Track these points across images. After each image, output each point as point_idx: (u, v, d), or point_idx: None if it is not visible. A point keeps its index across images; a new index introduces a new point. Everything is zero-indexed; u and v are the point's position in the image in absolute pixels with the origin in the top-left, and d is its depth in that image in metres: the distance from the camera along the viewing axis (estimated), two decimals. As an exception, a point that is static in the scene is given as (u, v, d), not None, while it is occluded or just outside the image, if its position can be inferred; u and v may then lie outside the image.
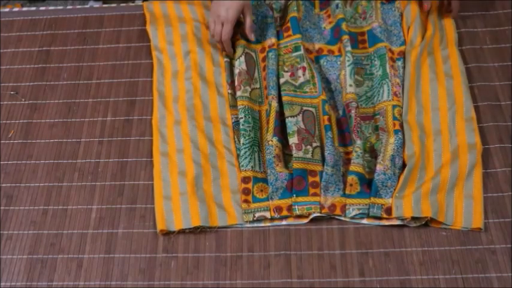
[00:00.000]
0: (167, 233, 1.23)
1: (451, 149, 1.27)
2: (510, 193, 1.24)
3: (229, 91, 1.38)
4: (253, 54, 1.43)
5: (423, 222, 1.20)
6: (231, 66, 1.42)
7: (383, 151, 1.26)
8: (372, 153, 1.29)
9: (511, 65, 1.41)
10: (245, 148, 1.28)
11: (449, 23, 1.46)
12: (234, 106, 1.37)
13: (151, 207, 1.27)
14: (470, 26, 1.48)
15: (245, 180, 1.26)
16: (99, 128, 1.39)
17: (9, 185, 1.32)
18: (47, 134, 1.39)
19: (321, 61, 1.43)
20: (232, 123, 1.35)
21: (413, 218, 1.20)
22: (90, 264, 1.20)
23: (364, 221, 1.22)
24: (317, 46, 1.45)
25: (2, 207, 1.29)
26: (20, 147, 1.38)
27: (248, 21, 1.40)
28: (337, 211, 1.22)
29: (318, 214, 1.22)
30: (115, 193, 1.29)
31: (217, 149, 1.31)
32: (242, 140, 1.30)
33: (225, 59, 1.43)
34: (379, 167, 1.23)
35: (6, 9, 1.64)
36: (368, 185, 1.24)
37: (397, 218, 1.21)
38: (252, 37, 1.42)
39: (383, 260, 1.17)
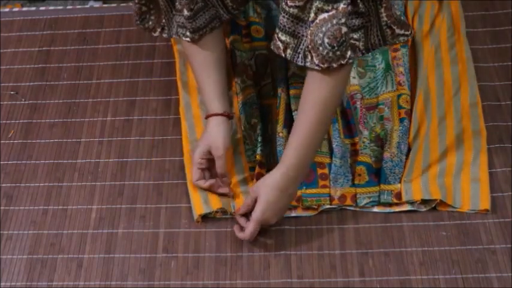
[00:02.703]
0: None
1: (455, 133, 1.29)
2: (510, 193, 1.24)
3: (236, 79, 1.39)
4: (265, 52, 1.44)
5: (433, 206, 1.22)
6: (235, 55, 1.42)
7: (389, 139, 1.28)
8: (378, 142, 1.30)
9: (511, 65, 1.41)
10: (261, 136, 1.30)
11: (456, 10, 1.47)
12: (239, 93, 1.38)
13: (151, 207, 1.27)
14: (470, 26, 1.48)
15: (261, 165, 1.27)
16: (99, 128, 1.39)
17: (9, 185, 1.32)
18: (47, 134, 1.39)
19: None
20: (239, 108, 1.36)
21: (423, 202, 1.22)
22: (90, 264, 1.20)
23: (375, 209, 1.23)
24: None
25: (2, 207, 1.29)
26: (20, 147, 1.38)
27: (217, 164, 1.23)
28: (348, 201, 1.23)
29: (328, 206, 1.23)
30: (115, 193, 1.29)
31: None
32: (259, 128, 1.31)
33: (230, 46, 1.43)
34: (386, 155, 1.25)
35: (6, 9, 1.65)
36: (376, 174, 1.26)
37: (407, 203, 1.22)
38: (225, 180, 1.25)
39: (383, 260, 1.17)
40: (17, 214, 1.28)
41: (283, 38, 1.09)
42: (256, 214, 1.15)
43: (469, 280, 1.14)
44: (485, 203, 1.21)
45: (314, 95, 1.10)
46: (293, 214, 1.24)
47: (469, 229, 1.20)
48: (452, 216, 1.22)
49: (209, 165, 1.25)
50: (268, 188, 1.14)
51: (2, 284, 1.19)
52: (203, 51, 1.24)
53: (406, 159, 1.26)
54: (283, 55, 1.10)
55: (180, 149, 1.34)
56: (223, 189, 1.25)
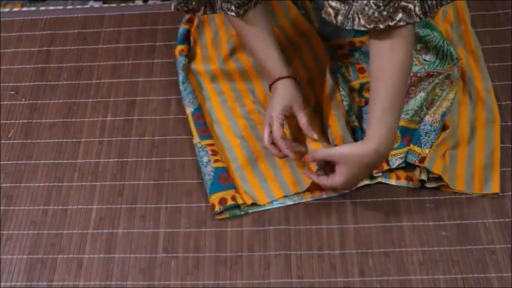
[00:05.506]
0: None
1: (469, 119, 1.31)
2: (510, 193, 1.24)
3: None
4: None
5: (438, 184, 1.23)
6: None
7: (437, 105, 1.29)
8: (429, 105, 1.31)
9: (511, 65, 1.41)
10: None
11: (461, 3, 1.48)
12: None
13: (151, 207, 1.27)
14: (470, 26, 1.48)
15: None
16: (99, 128, 1.39)
17: (9, 185, 1.32)
18: (47, 134, 1.39)
19: (356, 54, 1.44)
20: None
21: (432, 180, 1.23)
22: (90, 264, 1.20)
23: (393, 182, 1.25)
24: (347, 40, 1.46)
25: (2, 207, 1.29)
26: (20, 147, 1.38)
27: (301, 120, 1.23)
28: (384, 165, 1.25)
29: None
30: (115, 193, 1.29)
31: None
32: None
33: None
34: (427, 118, 1.27)
35: (6, 9, 1.65)
36: (408, 137, 1.26)
37: (425, 169, 1.22)
38: (313, 136, 1.22)
39: (383, 260, 1.17)
40: (17, 214, 1.28)
41: (333, 4, 1.09)
42: (335, 182, 1.15)
43: (469, 280, 1.14)
44: (496, 187, 1.23)
45: (384, 61, 1.09)
46: (303, 200, 1.25)
47: (469, 229, 1.20)
48: (452, 217, 1.22)
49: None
50: (355, 165, 1.12)
51: (2, 284, 1.19)
52: (253, 25, 1.23)
53: (442, 132, 1.27)
54: (334, 21, 1.11)
55: (180, 149, 1.34)
56: (300, 148, 1.26)
